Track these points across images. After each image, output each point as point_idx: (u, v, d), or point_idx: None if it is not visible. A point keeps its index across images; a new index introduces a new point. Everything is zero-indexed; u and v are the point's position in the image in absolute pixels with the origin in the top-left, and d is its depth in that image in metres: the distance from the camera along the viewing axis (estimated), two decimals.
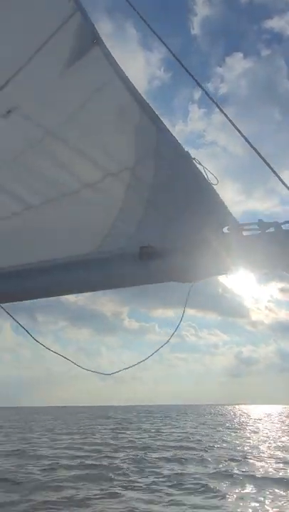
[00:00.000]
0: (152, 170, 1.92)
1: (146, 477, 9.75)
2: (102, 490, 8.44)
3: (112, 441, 17.70)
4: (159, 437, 19.90)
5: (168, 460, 12.29)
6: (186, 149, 2.01)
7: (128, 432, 22.99)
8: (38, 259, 1.77)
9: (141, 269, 1.58)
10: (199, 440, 18.13)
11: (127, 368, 1.71)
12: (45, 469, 10.76)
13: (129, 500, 7.67)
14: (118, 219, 1.82)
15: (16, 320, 1.65)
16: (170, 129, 2.13)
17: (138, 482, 9.15)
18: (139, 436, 20.19)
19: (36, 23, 2.96)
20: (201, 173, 1.82)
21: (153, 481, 9.22)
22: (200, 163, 1.82)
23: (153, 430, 24.72)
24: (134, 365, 1.69)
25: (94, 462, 11.83)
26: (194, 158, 1.85)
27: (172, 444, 16.70)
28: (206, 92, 2.60)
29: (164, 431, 24.31)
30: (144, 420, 38.32)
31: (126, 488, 8.60)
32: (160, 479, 9.45)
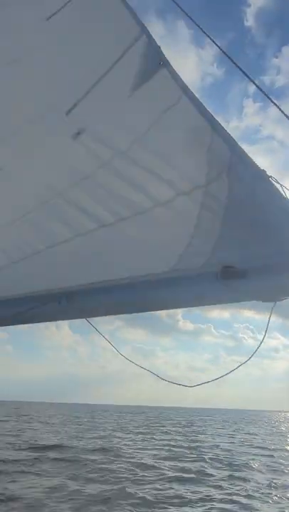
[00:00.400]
0: (226, 189, 1.94)
1: (249, 483, 9.42)
2: (211, 494, 8.27)
3: (192, 444, 17.35)
4: (237, 443, 19.29)
5: (262, 468, 11.84)
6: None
7: (202, 436, 22.48)
8: (114, 277, 1.83)
9: (223, 288, 1.59)
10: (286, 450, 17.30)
11: (208, 382, 1.72)
12: (140, 469, 10.69)
13: (248, 509, 7.46)
14: (194, 238, 1.85)
15: (100, 333, 1.71)
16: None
17: (245, 490, 8.81)
18: (215, 441, 19.70)
19: (104, 47, 3.11)
20: (278, 190, 1.81)
21: (264, 492, 8.82)
22: (277, 182, 1.81)
23: (226, 435, 24.01)
24: (216, 379, 1.69)
25: (186, 465, 11.63)
26: (271, 176, 1.85)
27: (256, 451, 16.10)
28: (260, 88, 2.60)
29: (238, 436, 23.60)
30: (210, 424, 37.28)
31: (238, 495, 8.33)
32: (266, 490, 9.00)
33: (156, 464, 11.57)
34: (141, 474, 10.00)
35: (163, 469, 10.86)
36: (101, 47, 3.14)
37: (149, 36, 2.93)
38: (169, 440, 19.02)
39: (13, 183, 2.69)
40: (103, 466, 10.91)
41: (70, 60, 3.34)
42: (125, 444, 16.12)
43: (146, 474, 10.05)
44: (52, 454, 12.39)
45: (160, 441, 18.22)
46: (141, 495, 7.89)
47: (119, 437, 19.24)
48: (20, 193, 2.58)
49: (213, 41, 3.07)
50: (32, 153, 2.92)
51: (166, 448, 15.56)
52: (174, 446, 16.43)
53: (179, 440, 19.30)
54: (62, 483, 8.63)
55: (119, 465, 11.09)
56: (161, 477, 9.82)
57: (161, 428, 27.94)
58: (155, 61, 2.73)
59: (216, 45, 3.02)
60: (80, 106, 2.99)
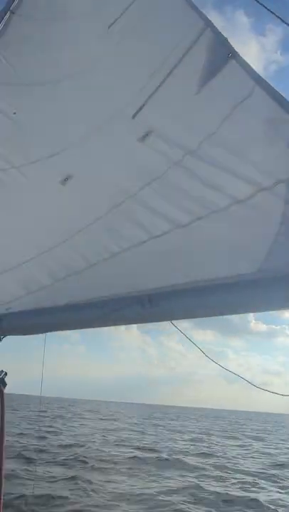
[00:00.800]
0: None
1: None
2: None
3: None
4: None
5: None
6: None
7: None
8: (197, 278, 1.77)
9: None
10: None
11: None
12: (255, 477, 10.03)
13: None
14: (279, 236, 1.73)
15: (188, 337, 1.66)
16: None
17: None
18: None
19: (167, 46, 3.07)
20: None
21: None
22: None
23: None
24: None
25: None
26: None
27: None
28: None
29: None
30: None
31: None
32: None
33: (271, 473, 10.77)
34: (258, 482, 9.42)
35: (282, 479, 10.05)
36: (164, 47, 3.11)
37: (214, 29, 2.84)
38: (265, 447, 17.88)
39: (84, 189, 2.75)
40: (214, 472, 10.36)
41: (133, 63, 3.35)
42: (222, 450, 15.43)
43: (262, 481, 9.47)
44: (156, 456, 12.16)
45: (257, 447, 17.25)
46: (272, 507, 7.46)
47: (209, 441, 18.49)
48: (93, 197, 2.62)
49: (283, 20, 2.91)
50: (101, 158, 2.96)
51: (269, 455, 14.66)
52: (275, 454, 15.38)
53: (275, 448, 18.09)
54: (184, 487, 8.39)
55: (230, 474, 10.35)
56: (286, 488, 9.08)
57: (249, 433, 26.62)
58: (223, 54, 2.63)
59: (287, 24, 2.86)
60: (146, 108, 2.98)
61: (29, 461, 9.92)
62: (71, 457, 10.92)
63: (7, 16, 3.91)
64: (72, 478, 8.46)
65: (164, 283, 1.75)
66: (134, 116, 3.02)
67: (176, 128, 2.66)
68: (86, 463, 10.23)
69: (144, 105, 3.00)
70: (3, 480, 1.88)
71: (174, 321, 1.88)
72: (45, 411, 33.26)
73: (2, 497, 1.88)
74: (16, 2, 4.02)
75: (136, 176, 2.58)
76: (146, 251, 2.03)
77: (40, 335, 2.10)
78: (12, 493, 6.73)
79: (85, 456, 11.06)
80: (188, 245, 1.97)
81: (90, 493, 7.50)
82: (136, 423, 29.43)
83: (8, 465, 8.82)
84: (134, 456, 11.85)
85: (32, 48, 3.68)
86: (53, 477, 8.45)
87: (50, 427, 19.27)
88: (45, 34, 3.66)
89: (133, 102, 3.07)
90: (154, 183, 2.43)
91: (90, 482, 8.19)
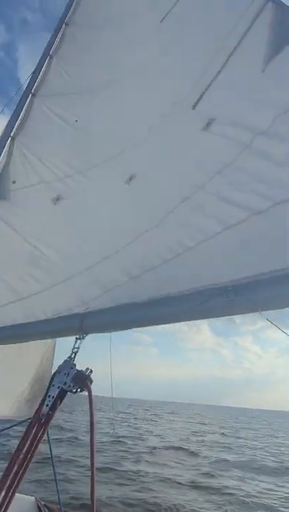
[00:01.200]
0: None
1: None
2: None
3: None
4: None
5: None
6: None
7: None
8: (283, 265, 1.63)
9: None
10: None
11: None
12: None
13: None
14: None
15: (279, 328, 1.53)
16: None
17: None
18: None
19: (224, 29, 2.93)
20: None
21: None
22: None
23: None
24: None
25: None
26: None
27: None
28: None
29: None
30: None
31: None
32: None
33: None
34: None
35: None
36: (222, 29, 2.98)
37: (277, 1, 2.65)
38: None
39: (151, 186, 2.70)
40: None
41: (189, 52, 3.26)
42: None
43: None
44: (268, 464, 11.80)
45: None
46: None
47: None
48: (160, 193, 2.57)
49: None
50: (164, 153, 2.91)
51: None
52: None
53: None
54: None
55: None
56: None
57: None
58: (288, 27, 2.44)
59: None
60: (206, 95, 2.87)
61: (139, 464, 9.94)
62: (183, 461, 10.76)
63: (62, 28, 4.05)
64: (196, 485, 8.09)
65: (248, 273, 1.63)
66: (194, 107, 2.93)
67: (243, 110, 2.51)
68: (200, 470, 9.97)
69: (203, 93, 2.89)
70: (95, 476, 1.88)
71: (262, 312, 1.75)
72: (130, 413, 33.67)
73: (95, 492, 1.88)
74: (69, 14, 4.15)
75: (203, 166, 2.48)
76: (223, 241, 1.93)
77: (107, 334, 2.09)
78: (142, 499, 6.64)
79: (194, 462, 10.85)
80: (269, 232, 1.82)
81: (227, 506, 7.06)
82: (226, 427, 28.43)
83: (130, 467, 8.92)
84: (260, 467, 11.29)
85: (89, 54, 3.75)
86: (172, 481, 8.22)
87: (138, 428, 19.28)
88: (99, 38, 3.72)
89: (191, 93, 2.97)
90: (224, 171, 2.32)
91: (218, 492, 7.75)
